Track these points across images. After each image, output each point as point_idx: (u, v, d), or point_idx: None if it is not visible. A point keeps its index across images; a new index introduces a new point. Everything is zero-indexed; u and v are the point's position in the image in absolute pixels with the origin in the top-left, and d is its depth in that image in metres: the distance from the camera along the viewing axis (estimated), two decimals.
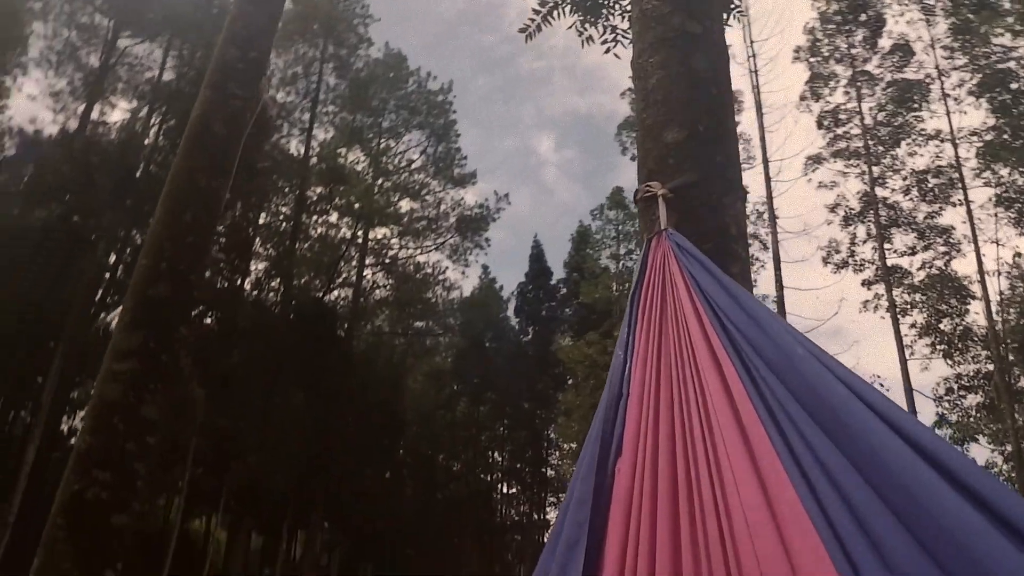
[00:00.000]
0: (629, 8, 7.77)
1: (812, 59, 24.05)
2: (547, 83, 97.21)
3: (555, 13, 7.42)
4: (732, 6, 8.68)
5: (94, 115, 27.95)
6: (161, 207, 4.70)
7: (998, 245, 19.80)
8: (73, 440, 25.29)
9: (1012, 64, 19.06)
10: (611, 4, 7.41)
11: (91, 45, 27.08)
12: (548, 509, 39.34)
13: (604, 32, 7.89)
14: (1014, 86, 19.07)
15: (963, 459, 1.27)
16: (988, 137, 19.71)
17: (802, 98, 23.62)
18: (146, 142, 27.82)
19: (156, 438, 4.21)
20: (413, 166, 34.02)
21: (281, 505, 26.40)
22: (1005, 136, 19.58)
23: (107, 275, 25.50)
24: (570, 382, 31.49)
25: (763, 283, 25.30)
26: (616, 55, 8.13)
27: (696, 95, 3.36)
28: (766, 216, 22.11)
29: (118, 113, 28.96)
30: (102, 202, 23.85)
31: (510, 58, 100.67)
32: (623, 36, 8.01)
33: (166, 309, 4.38)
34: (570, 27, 7.83)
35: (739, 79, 28.72)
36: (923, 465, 1.28)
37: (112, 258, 25.85)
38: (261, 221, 30.54)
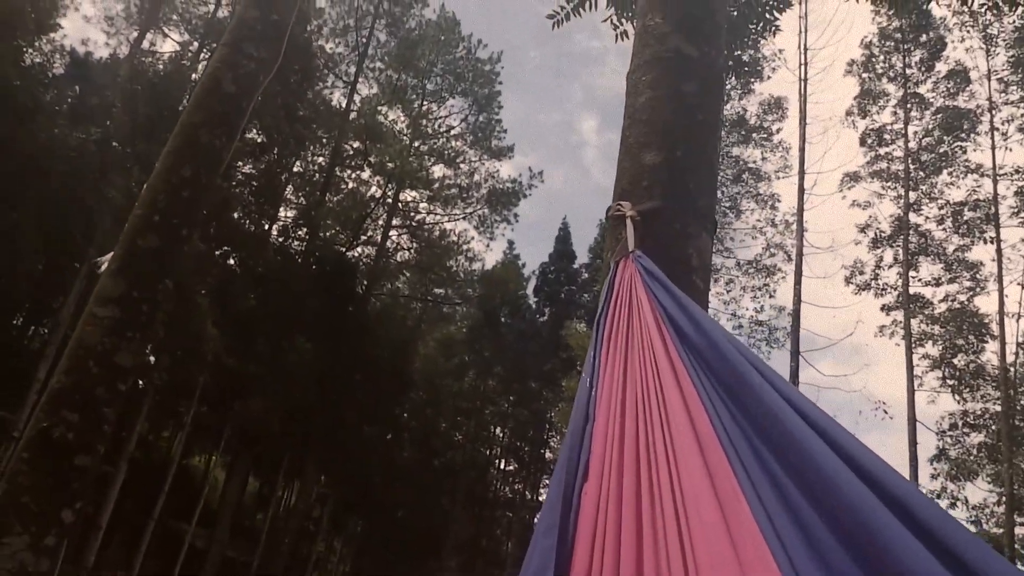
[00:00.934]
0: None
1: (865, 75, 23.59)
2: (600, 63, 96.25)
3: (587, 5, 7.36)
4: (772, 21, 8.56)
5: (145, 44, 28.22)
6: (162, 159, 4.78)
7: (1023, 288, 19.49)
8: None
9: None
10: None
11: None
12: (542, 490, 39.58)
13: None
14: None
15: (908, 486, 1.31)
16: None
17: (848, 113, 23.23)
18: (193, 77, 28.05)
19: (128, 386, 4.32)
20: (452, 132, 34.04)
21: (280, 452, 26.87)
22: None
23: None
24: (577, 368, 31.48)
25: (781, 295, 25.26)
26: None
27: (681, 119, 3.35)
28: (794, 227, 21.88)
29: (169, 44, 29.11)
30: (141, 131, 24.13)
31: (566, 33, 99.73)
32: None
33: (154, 260, 4.47)
34: (604, 20, 7.77)
35: (788, 85, 28.23)
36: (867, 492, 1.32)
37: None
38: (295, 169, 30.74)
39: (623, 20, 7.87)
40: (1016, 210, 19.62)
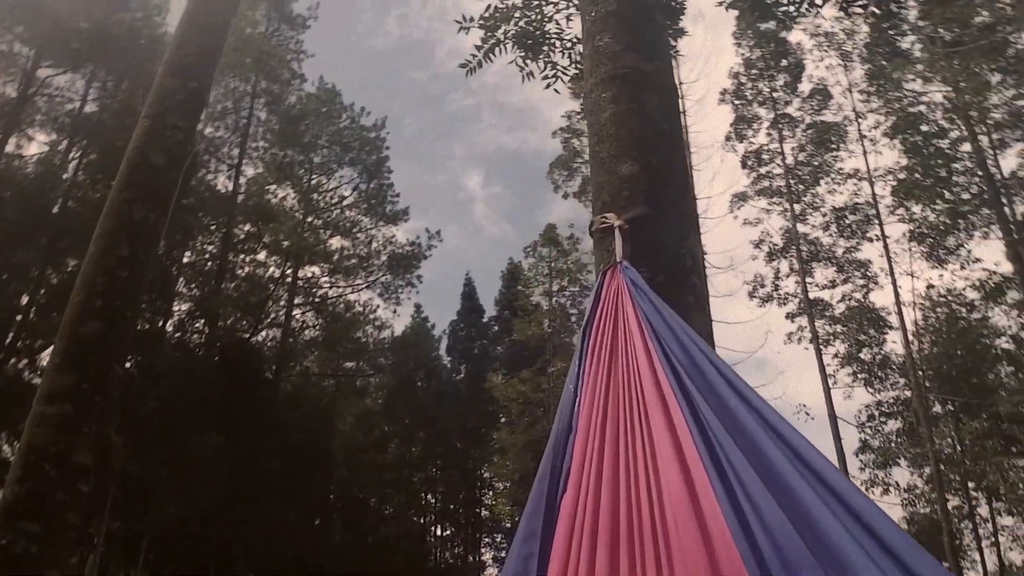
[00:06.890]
0: (569, 45, 7.94)
1: (736, 102, 24.90)
2: (476, 120, 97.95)
3: (496, 49, 7.52)
4: (671, 47, 8.97)
5: (9, 147, 26.85)
6: (95, 241, 4.50)
7: (913, 277, 20.78)
8: None
9: (923, 108, 20.20)
10: (551, 41, 7.55)
11: (8, 75, 26.03)
12: (483, 550, 38.82)
13: (544, 68, 8.05)
14: (924, 128, 20.16)
15: (860, 496, 1.48)
16: (901, 176, 20.73)
17: (727, 139, 24.39)
18: (64, 176, 26.85)
19: (88, 485, 3.98)
20: (344, 203, 33.67)
21: (203, 555, 25.29)
22: (916, 175, 20.61)
23: (18, 317, 24.34)
24: (503, 420, 31.37)
25: None
26: (556, 90, 8.31)
27: (647, 130, 3.43)
28: None
29: (35, 146, 27.75)
30: (15, 239, 22.83)
31: (440, 95, 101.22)
32: (563, 72, 8.18)
33: (100, 347, 4.17)
34: (511, 62, 7.94)
35: None
36: (826, 496, 1.47)
37: (24, 299, 24.69)
38: (185, 260, 29.64)
39: (527, 62, 8.07)
40: (893, 208, 21.06)
